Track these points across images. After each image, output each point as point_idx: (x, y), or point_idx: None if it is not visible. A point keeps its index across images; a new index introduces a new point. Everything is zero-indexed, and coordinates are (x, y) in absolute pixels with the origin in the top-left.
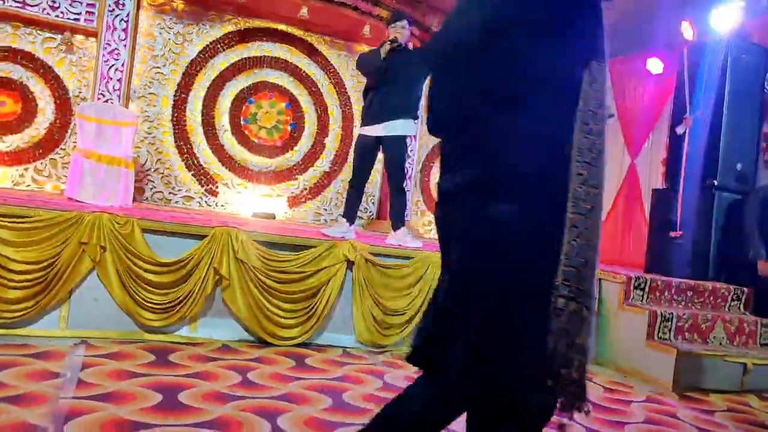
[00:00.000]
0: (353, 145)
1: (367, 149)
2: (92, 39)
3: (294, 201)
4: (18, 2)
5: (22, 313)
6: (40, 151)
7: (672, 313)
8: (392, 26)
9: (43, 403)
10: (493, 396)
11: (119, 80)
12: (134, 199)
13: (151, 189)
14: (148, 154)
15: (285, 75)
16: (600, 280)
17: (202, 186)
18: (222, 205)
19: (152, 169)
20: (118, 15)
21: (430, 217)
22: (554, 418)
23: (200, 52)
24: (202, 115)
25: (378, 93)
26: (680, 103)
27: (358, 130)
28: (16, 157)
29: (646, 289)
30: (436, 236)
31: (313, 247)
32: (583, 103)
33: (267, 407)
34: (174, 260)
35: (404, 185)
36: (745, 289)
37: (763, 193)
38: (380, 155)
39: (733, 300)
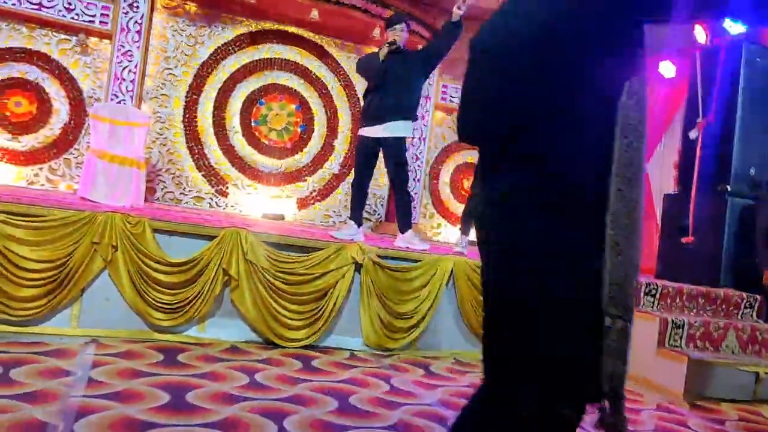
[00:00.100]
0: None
1: (367, 150)
2: (106, 41)
3: (303, 202)
4: (34, 4)
5: (34, 311)
6: (55, 151)
7: (683, 321)
8: (391, 29)
9: (54, 401)
10: (524, 401)
11: (132, 81)
12: (145, 199)
13: (162, 189)
14: (159, 154)
15: (295, 77)
16: None
17: (213, 187)
18: (232, 206)
19: (163, 170)
20: (132, 17)
21: (439, 219)
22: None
23: (212, 54)
24: (213, 117)
25: (377, 95)
26: (693, 108)
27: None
28: (31, 157)
29: (657, 296)
30: (438, 242)
31: (322, 249)
32: (623, 117)
33: (274, 409)
34: (184, 260)
35: (408, 187)
36: (758, 296)
37: None
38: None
39: (745, 307)
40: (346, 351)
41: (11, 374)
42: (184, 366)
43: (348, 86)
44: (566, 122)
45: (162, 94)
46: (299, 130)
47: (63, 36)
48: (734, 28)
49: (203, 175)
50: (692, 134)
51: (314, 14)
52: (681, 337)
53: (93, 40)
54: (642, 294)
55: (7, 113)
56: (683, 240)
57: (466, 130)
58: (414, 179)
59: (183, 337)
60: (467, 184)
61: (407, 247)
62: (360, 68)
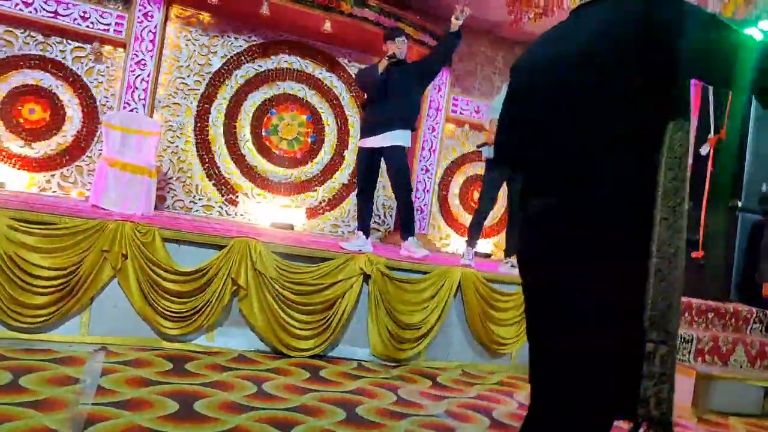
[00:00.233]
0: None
1: (368, 161)
2: (120, 49)
3: (312, 212)
4: (50, 12)
5: (44, 318)
6: (67, 158)
7: (692, 335)
8: (391, 41)
9: (63, 409)
10: (566, 414)
11: (145, 90)
12: (156, 207)
13: (173, 197)
14: (170, 163)
15: (307, 88)
16: None
17: (223, 195)
18: (241, 215)
19: (174, 178)
20: (146, 26)
21: (448, 230)
22: None
23: (224, 63)
24: (224, 126)
25: (376, 106)
26: (704, 123)
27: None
28: (43, 164)
29: None
30: (446, 253)
31: (331, 259)
32: (670, 150)
33: (281, 418)
34: (193, 269)
35: (409, 194)
36: None
37: None
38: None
39: (755, 323)
40: (353, 361)
41: (21, 381)
42: (192, 375)
43: (359, 97)
44: (607, 149)
45: (174, 103)
46: (310, 140)
47: (77, 44)
48: None
49: (213, 184)
50: (703, 149)
51: (327, 26)
52: (689, 352)
53: (107, 48)
54: None
55: (21, 120)
56: (693, 255)
57: (506, 151)
58: (423, 190)
59: (191, 346)
60: (477, 195)
61: (408, 255)
62: (359, 80)
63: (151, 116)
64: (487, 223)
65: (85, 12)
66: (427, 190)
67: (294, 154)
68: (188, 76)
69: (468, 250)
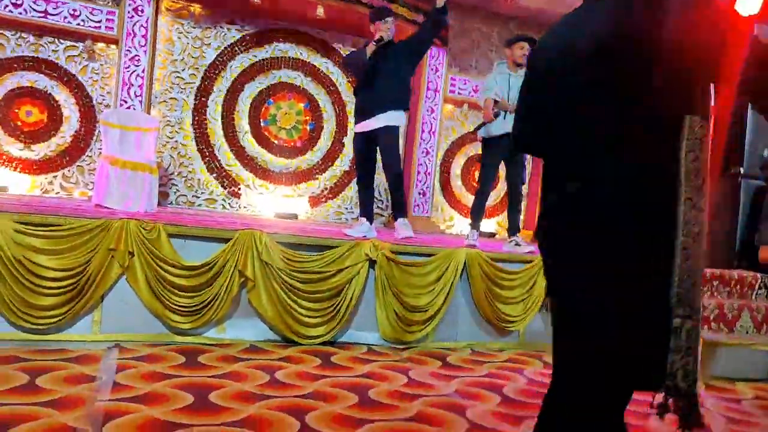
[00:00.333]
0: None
1: (363, 146)
2: (113, 46)
3: (315, 201)
4: (40, 12)
5: (56, 319)
6: (67, 158)
7: None
8: (381, 21)
9: (81, 406)
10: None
11: (140, 86)
12: (159, 203)
13: (175, 193)
14: (171, 158)
15: (302, 75)
16: None
17: (225, 188)
18: (245, 207)
19: (175, 173)
20: (137, 21)
21: (452, 212)
22: None
23: (218, 55)
24: (222, 118)
25: (367, 90)
26: None
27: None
28: (44, 166)
29: None
30: (451, 234)
31: (336, 246)
32: (690, 131)
33: (295, 405)
34: (200, 263)
35: (398, 176)
36: None
37: None
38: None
39: (760, 288)
40: (363, 346)
41: (37, 381)
42: (205, 367)
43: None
44: (626, 134)
45: (170, 98)
46: (309, 128)
47: (70, 43)
48: (745, 9)
49: (215, 177)
50: None
51: (320, 11)
52: None
53: (100, 45)
54: None
55: (19, 123)
56: None
57: (522, 141)
58: (425, 173)
59: (203, 339)
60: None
61: (401, 237)
62: (347, 66)
63: (149, 112)
64: (490, 202)
65: (75, 10)
66: (429, 173)
67: (294, 143)
68: (183, 69)
69: (472, 231)
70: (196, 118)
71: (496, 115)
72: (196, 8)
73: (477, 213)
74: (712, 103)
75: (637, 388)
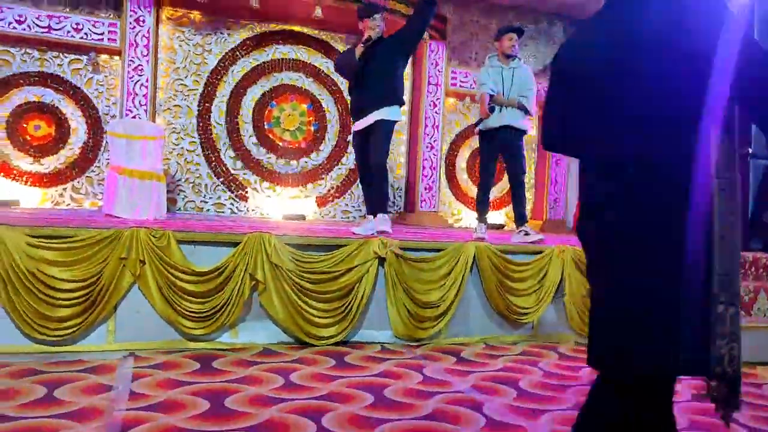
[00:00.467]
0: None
1: (362, 144)
2: (116, 57)
3: (322, 200)
4: (43, 27)
5: (71, 330)
6: (76, 170)
7: None
8: (368, 20)
9: (100, 417)
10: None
11: (145, 96)
12: (168, 210)
13: (183, 199)
14: (177, 165)
15: (304, 76)
16: None
17: (232, 192)
18: (253, 210)
19: (183, 180)
20: (139, 31)
21: (459, 206)
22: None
23: (220, 60)
24: (227, 122)
25: (361, 89)
26: None
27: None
28: (54, 178)
29: None
30: (459, 228)
31: (344, 245)
32: (729, 122)
33: (311, 408)
34: (210, 269)
35: (378, 172)
36: None
37: None
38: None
39: None
40: (376, 345)
41: (55, 394)
42: (220, 372)
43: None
44: (670, 129)
45: (175, 105)
46: (312, 128)
47: (74, 56)
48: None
49: (222, 182)
50: None
51: (318, 12)
52: None
53: (103, 57)
54: None
55: (28, 137)
56: None
57: (549, 140)
58: (430, 168)
59: (216, 344)
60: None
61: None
62: (338, 69)
63: (154, 121)
64: (497, 194)
65: (77, 24)
66: (434, 168)
67: (298, 144)
68: (186, 76)
69: (480, 225)
70: (201, 124)
71: (492, 110)
72: (196, 15)
73: (482, 207)
74: None
75: (686, 374)
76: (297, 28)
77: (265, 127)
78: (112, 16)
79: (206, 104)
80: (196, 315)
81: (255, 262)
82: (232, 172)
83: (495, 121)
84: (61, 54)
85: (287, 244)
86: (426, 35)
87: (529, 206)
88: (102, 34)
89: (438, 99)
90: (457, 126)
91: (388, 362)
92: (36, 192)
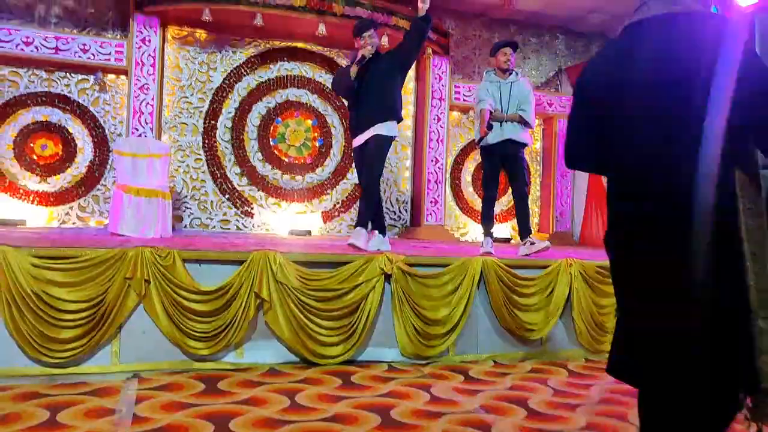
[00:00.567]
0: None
1: (361, 159)
2: (123, 77)
3: (328, 216)
4: (50, 48)
5: (75, 351)
6: (83, 188)
7: None
8: (360, 37)
9: None
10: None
11: (151, 114)
12: (174, 228)
13: (189, 216)
14: (183, 182)
15: (308, 92)
16: None
17: (238, 209)
18: (258, 226)
19: (188, 197)
20: (145, 51)
21: (465, 219)
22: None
23: (225, 78)
24: (232, 139)
25: (359, 106)
26: None
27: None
28: (61, 197)
29: None
30: (466, 242)
31: (350, 262)
32: (753, 153)
33: (317, 430)
34: (216, 287)
35: (369, 186)
36: None
37: None
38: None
39: None
40: (383, 363)
41: (58, 417)
42: (225, 393)
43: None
44: (676, 151)
45: (180, 123)
46: (317, 144)
47: (81, 76)
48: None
49: (227, 199)
50: None
51: (321, 29)
52: None
53: (110, 77)
54: None
55: (35, 156)
56: None
57: (571, 160)
58: (435, 182)
59: (222, 364)
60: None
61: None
62: (335, 89)
63: (159, 138)
64: (503, 207)
65: (84, 44)
66: (439, 182)
67: (304, 160)
68: (191, 94)
69: (486, 239)
70: (206, 141)
71: (489, 127)
72: (202, 34)
73: (487, 222)
74: None
75: (735, 393)
76: (301, 45)
77: (271, 143)
78: (119, 36)
79: (212, 121)
80: (202, 334)
81: (260, 280)
82: (238, 188)
83: (496, 136)
84: (68, 74)
85: (293, 262)
86: (429, 50)
87: (535, 219)
88: (109, 54)
89: (442, 113)
90: (462, 140)
91: (395, 381)
92: (43, 211)
